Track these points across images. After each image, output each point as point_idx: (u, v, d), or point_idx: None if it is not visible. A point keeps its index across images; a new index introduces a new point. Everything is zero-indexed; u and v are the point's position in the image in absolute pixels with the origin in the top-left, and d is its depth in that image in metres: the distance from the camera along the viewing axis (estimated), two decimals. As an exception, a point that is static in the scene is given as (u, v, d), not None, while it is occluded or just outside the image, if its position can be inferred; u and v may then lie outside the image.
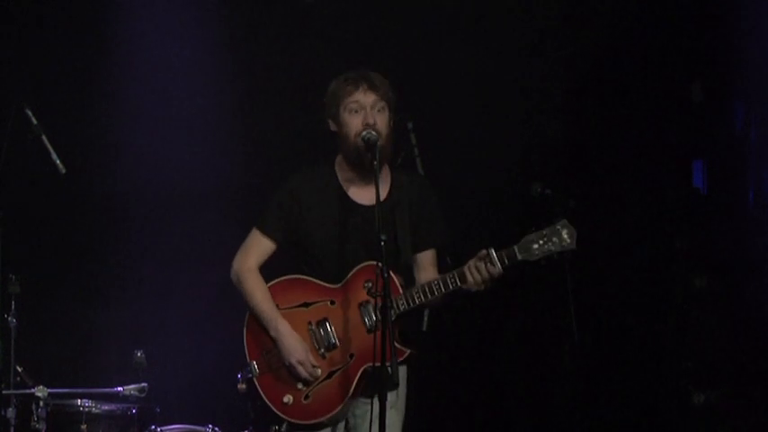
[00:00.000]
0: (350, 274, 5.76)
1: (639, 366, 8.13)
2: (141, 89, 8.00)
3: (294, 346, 5.74)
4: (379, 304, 5.50)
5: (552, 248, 5.62)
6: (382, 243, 5.39)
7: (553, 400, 8.09)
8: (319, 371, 5.74)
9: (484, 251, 5.63)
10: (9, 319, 6.72)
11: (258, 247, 5.89)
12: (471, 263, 5.64)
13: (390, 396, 5.57)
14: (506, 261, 5.61)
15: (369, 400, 5.70)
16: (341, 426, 5.84)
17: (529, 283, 7.84)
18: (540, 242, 5.62)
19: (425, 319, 7.63)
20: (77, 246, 7.97)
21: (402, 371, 5.78)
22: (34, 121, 6.17)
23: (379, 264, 5.48)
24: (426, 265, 5.90)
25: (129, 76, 8.01)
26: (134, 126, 8.00)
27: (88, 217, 7.98)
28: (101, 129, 7.98)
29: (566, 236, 5.63)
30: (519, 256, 5.62)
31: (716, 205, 8.32)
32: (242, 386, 5.88)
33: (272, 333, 5.77)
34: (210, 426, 6.83)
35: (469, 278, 5.63)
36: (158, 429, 6.79)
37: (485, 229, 7.85)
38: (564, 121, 8.12)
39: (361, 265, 5.75)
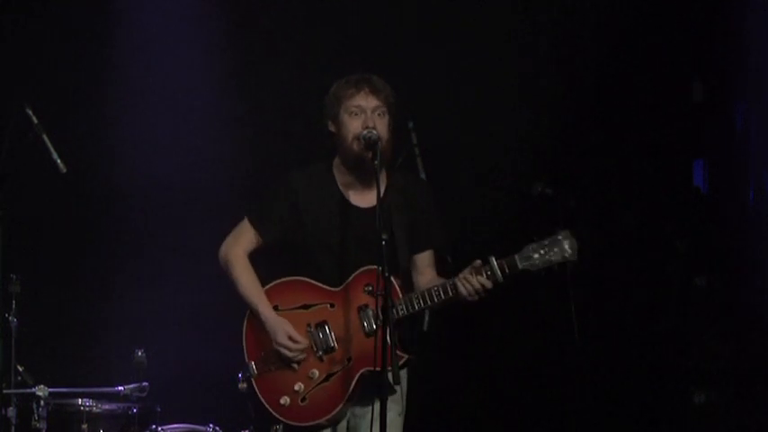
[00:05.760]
0: (350, 278, 5.76)
1: (640, 366, 8.14)
2: (141, 89, 8.00)
3: (273, 328, 5.75)
4: (380, 305, 5.52)
5: (553, 259, 5.57)
6: (383, 242, 5.39)
7: (553, 400, 8.09)
8: (303, 354, 5.72)
9: (478, 261, 5.60)
10: (10, 318, 6.72)
11: (247, 236, 5.93)
12: (464, 274, 5.61)
13: (391, 395, 5.56)
14: (507, 270, 5.58)
15: (369, 401, 5.70)
16: (342, 426, 5.85)
17: (529, 282, 7.83)
18: (542, 252, 5.57)
19: (426, 318, 7.62)
20: (77, 245, 7.97)
21: (402, 372, 5.77)
22: (35, 121, 6.16)
23: (379, 266, 5.51)
24: (423, 267, 5.89)
25: (130, 75, 8.01)
26: (135, 125, 8.00)
27: (88, 216, 7.98)
28: (101, 128, 7.98)
29: (567, 247, 5.58)
30: (520, 266, 5.58)
31: (716, 205, 8.32)
32: (243, 385, 5.88)
33: (260, 317, 5.79)
34: (211, 425, 6.82)
35: (462, 289, 5.61)
36: (159, 428, 6.77)
37: (485, 230, 7.85)
38: (564, 121, 8.12)
39: (363, 268, 5.75)
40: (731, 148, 8.30)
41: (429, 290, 5.68)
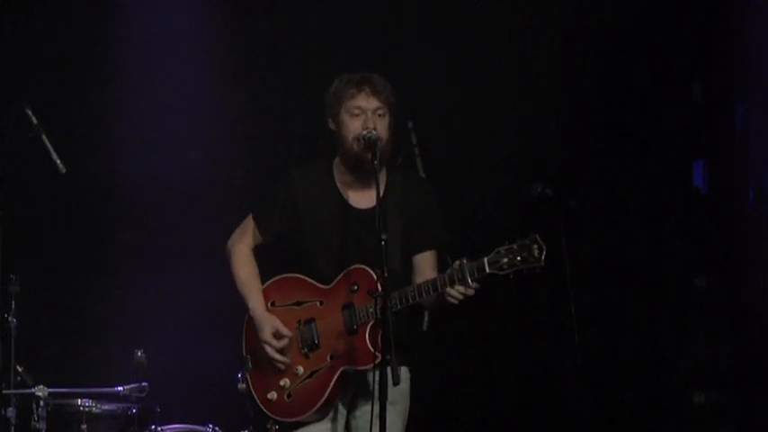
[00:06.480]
0: (339, 277, 5.76)
1: (640, 366, 8.14)
2: (141, 89, 8.01)
3: (260, 324, 5.76)
4: (369, 306, 5.56)
5: (521, 264, 5.50)
6: (383, 242, 5.39)
7: (553, 400, 8.09)
8: (286, 356, 5.73)
9: (457, 263, 5.59)
10: (9, 318, 6.73)
11: (251, 232, 5.94)
12: (444, 284, 5.57)
13: (391, 395, 5.54)
14: (476, 274, 5.53)
15: (369, 401, 5.70)
16: (340, 426, 5.84)
17: (529, 282, 7.83)
18: (510, 256, 5.50)
19: (426, 318, 7.62)
20: (77, 245, 7.97)
21: (405, 372, 5.77)
22: (35, 121, 6.17)
23: (367, 267, 5.58)
24: (425, 268, 5.85)
25: (130, 75, 8.01)
26: (135, 125, 8.01)
27: (88, 216, 7.98)
28: (101, 128, 7.98)
29: (535, 252, 5.49)
30: (488, 269, 5.51)
31: (716, 205, 8.32)
32: (242, 385, 5.89)
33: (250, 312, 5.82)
34: (210, 425, 6.84)
35: (448, 300, 5.58)
36: (158, 429, 6.79)
37: (485, 229, 7.85)
38: (565, 121, 8.13)
39: (351, 267, 5.74)
40: (731, 148, 8.30)
41: (405, 290, 5.64)
